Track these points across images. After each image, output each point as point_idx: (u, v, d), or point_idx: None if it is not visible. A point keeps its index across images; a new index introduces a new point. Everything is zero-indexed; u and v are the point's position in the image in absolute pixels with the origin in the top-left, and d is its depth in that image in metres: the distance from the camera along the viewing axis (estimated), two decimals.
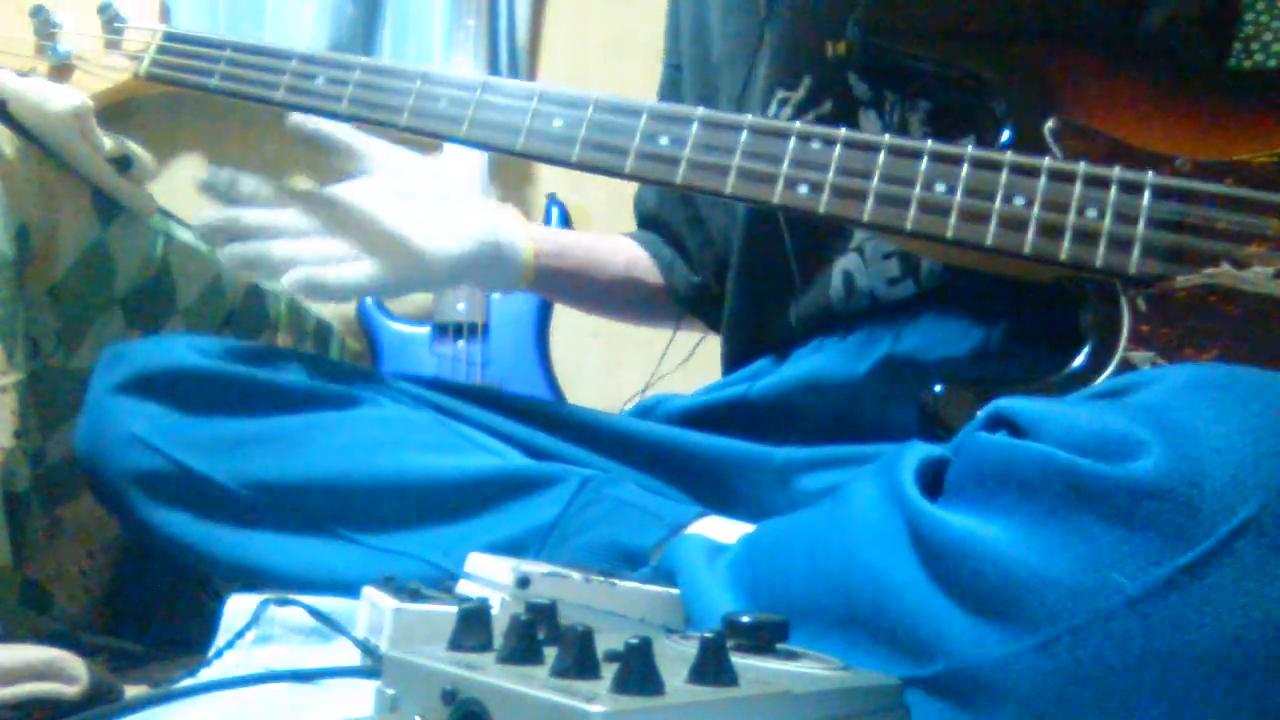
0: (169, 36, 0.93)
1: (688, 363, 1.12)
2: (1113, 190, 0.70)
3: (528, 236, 0.99)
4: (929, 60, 0.78)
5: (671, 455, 0.89)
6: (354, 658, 0.65)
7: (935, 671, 0.49)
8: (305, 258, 0.86)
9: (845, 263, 0.88)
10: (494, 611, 0.45)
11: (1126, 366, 0.69)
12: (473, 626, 0.43)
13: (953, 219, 0.72)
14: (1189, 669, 0.45)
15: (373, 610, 0.64)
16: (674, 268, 1.10)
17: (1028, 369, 0.75)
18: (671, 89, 1.09)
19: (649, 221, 1.13)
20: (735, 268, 0.96)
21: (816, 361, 0.89)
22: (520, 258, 0.98)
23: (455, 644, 0.43)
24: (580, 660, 0.38)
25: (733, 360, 0.99)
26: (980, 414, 0.57)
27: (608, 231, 1.16)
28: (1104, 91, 0.75)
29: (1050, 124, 0.74)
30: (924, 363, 0.82)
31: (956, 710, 0.49)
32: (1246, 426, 0.46)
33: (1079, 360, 0.71)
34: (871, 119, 0.85)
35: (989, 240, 0.71)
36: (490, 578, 0.65)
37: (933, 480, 0.56)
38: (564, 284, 1.05)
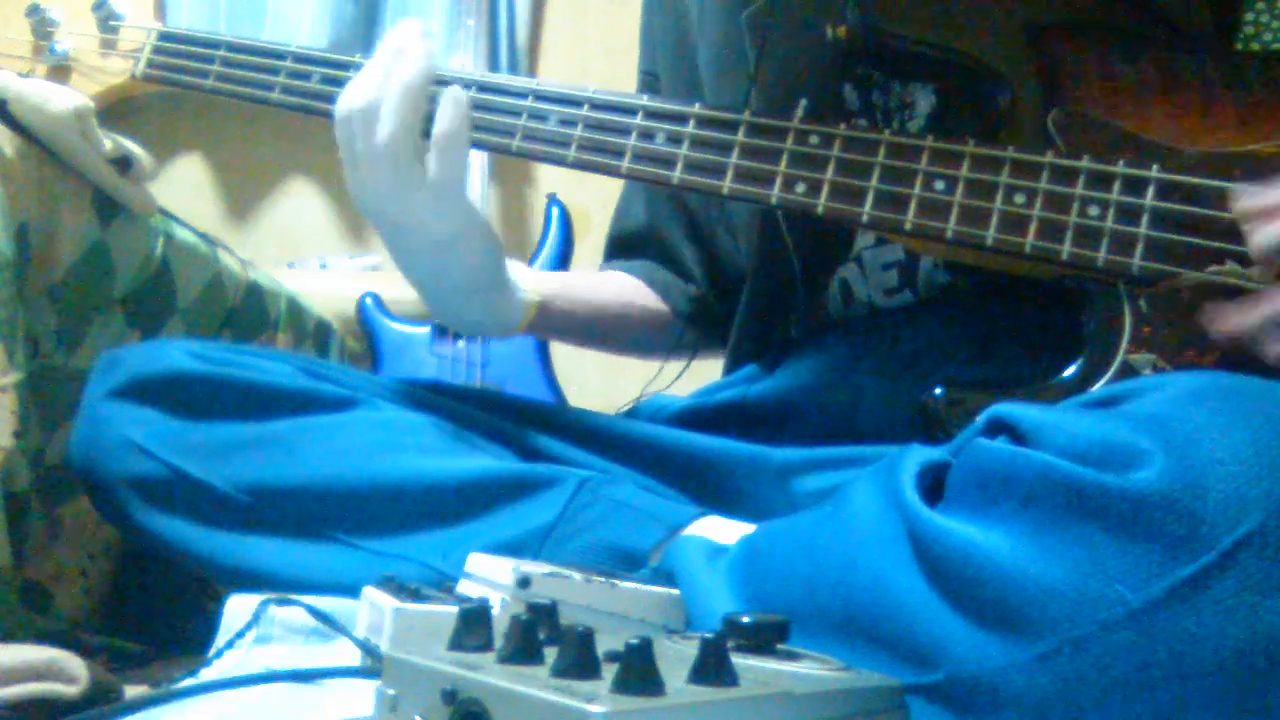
0: (164, 36, 0.93)
1: (686, 366, 1.11)
2: (1115, 187, 0.69)
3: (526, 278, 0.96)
4: (929, 44, 0.76)
5: (670, 456, 0.88)
6: (354, 658, 0.65)
7: (936, 679, 0.49)
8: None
9: (843, 272, 0.88)
10: (494, 612, 0.45)
11: (1127, 370, 0.68)
12: (473, 626, 0.43)
13: (952, 218, 0.72)
14: (1190, 681, 0.44)
15: (373, 610, 0.64)
16: (670, 287, 1.07)
17: (1027, 372, 0.74)
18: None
19: (637, 241, 1.10)
20: (750, 281, 0.94)
21: (815, 364, 0.89)
22: (521, 295, 0.93)
23: (455, 644, 0.43)
24: (580, 660, 0.38)
25: (735, 366, 0.98)
26: (980, 418, 0.56)
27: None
28: (1112, 75, 0.73)
29: (1053, 115, 0.72)
30: (923, 365, 0.82)
31: (957, 718, 0.49)
32: (1250, 438, 0.46)
33: (1079, 363, 0.70)
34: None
35: (989, 240, 0.71)
36: (491, 578, 0.65)
37: (933, 485, 0.56)
38: (563, 317, 0.99)
